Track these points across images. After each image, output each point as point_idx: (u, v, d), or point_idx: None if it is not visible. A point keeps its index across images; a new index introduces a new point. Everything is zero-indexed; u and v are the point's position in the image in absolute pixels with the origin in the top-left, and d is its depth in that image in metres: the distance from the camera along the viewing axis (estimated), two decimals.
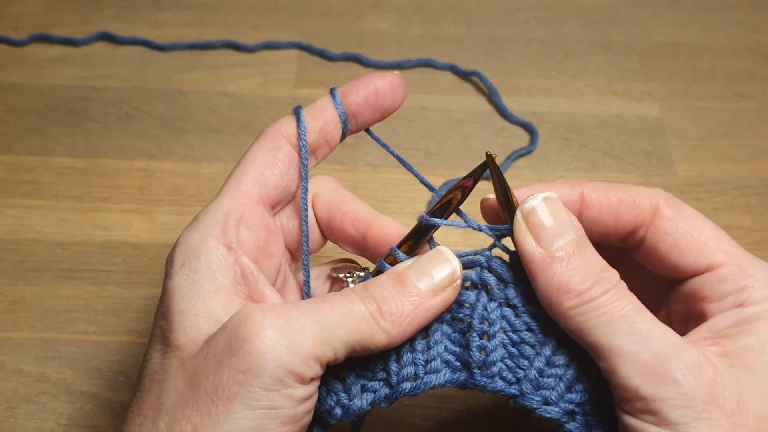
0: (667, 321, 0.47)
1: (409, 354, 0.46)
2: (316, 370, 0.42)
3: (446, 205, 0.49)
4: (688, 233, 0.47)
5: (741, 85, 0.93)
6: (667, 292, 0.50)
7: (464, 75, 0.92)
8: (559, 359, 0.46)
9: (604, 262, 0.45)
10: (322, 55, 0.94)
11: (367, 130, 0.53)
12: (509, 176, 0.83)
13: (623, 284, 0.44)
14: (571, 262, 0.44)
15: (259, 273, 0.47)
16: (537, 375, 0.46)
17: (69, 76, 0.90)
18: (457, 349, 0.47)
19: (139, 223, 0.77)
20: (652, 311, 0.44)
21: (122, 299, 0.72)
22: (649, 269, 0.50)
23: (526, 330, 0.46)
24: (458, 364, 0.46)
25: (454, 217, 0.50)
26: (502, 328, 0.46)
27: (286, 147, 0.50)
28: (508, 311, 0.47)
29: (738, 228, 0.79)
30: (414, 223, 0.50)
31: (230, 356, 0.41)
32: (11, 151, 0.83)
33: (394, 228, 0.52)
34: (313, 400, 0.44)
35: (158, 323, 0.46)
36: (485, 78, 0.91)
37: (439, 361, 0.46)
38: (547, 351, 0.46)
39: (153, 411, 0.43)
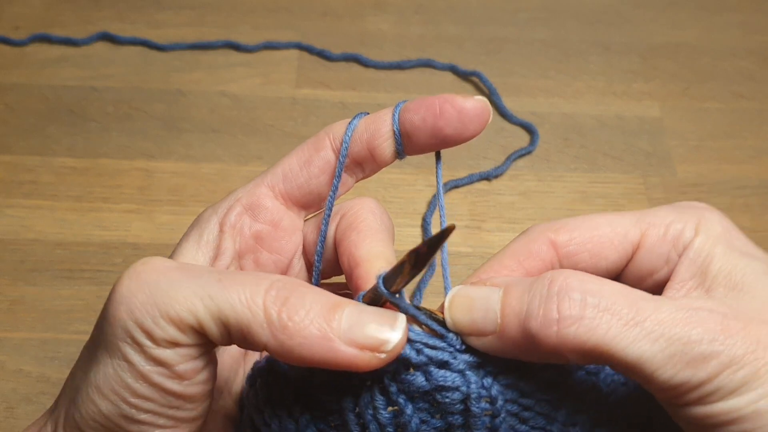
0: None
1: (374, 425, 0.41)
2: (170, 333, 0.38)
3: (399, 269, 0.39)
4: (593, 237, 0.44)
5: (741, 86, 0.93)
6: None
7: (464, 75, 0.92)
8: (578, 412, 0.42)
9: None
10: (322, 55, 0.94)
11: (437, 155, 0.47)
12: (509, 176, 0.83)
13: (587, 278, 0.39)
14: (531, 301, 0.39)
15: (234, 264, 0.46)
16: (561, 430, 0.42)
17: (69, 76, 0.90)
18: (441, 423, 0.41)
19: (139, 223, 0.77)
20: None
21: None
22: None
23: (537, 390, 0.41)
24: None
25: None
26: (507, 399, 0.41)
27: (326, 150, 0.47)
28: (509, 380, 0.41)
29: (738, 228, 0.79)
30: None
31: (106, 302, 0.40)
32: (11, 151, 0.83)
33: (374, 275, 0.44)
34: (198, 383, 0.40)
35: None
36: (485, 78, 0.91)
37: None
38: (565, 406, 0.42)
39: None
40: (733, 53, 0.97)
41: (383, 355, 0.38)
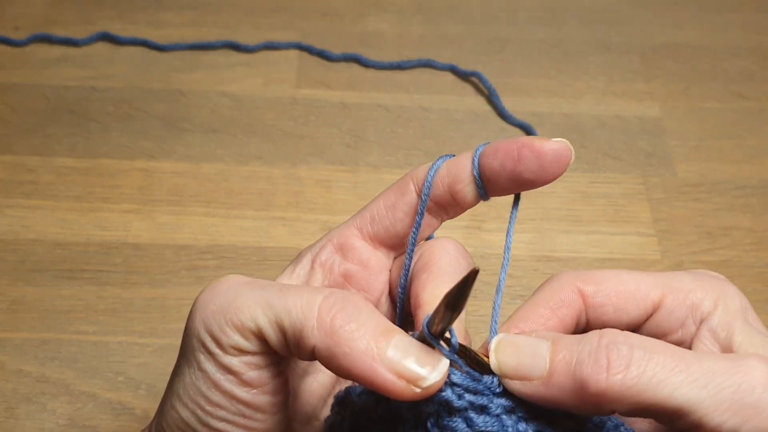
0: None
1: None
2: (235, 340, 0.41)
3: (437, 311, 0.41)
4: (619, 291, 0.46)
5: (741, 86, 0.93)
6: None
7: (464, 75, 0.93)
8: None
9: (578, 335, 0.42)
10: (323, 55, 0.94)
11: (516, 196, 0.48)
12: None
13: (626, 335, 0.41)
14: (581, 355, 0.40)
15: None
16: None
17: (69, 76, 0.90)
18: None
19: (139, 223, 0.77)
20: None
21: (122, 299, 0.72)
22: None
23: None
24: None
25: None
26: None
27: (410, 194, 0.48)
28: (538, 426, 0.42)
29: (738, 228, 0.79)
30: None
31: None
32: (12, 151, 0.83)
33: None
34: (266, 393, 0.42)
35: None
36: (485, 78, 0.91)
37: None
38: None
39: None
40: (733, 53, 0.97)
41: (418, 390, 0.40)
